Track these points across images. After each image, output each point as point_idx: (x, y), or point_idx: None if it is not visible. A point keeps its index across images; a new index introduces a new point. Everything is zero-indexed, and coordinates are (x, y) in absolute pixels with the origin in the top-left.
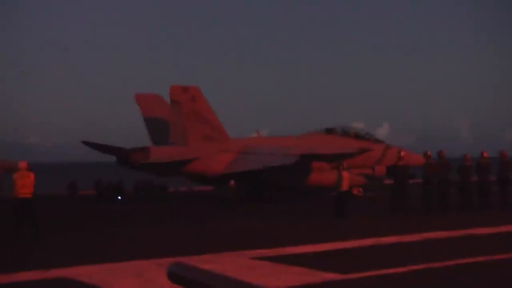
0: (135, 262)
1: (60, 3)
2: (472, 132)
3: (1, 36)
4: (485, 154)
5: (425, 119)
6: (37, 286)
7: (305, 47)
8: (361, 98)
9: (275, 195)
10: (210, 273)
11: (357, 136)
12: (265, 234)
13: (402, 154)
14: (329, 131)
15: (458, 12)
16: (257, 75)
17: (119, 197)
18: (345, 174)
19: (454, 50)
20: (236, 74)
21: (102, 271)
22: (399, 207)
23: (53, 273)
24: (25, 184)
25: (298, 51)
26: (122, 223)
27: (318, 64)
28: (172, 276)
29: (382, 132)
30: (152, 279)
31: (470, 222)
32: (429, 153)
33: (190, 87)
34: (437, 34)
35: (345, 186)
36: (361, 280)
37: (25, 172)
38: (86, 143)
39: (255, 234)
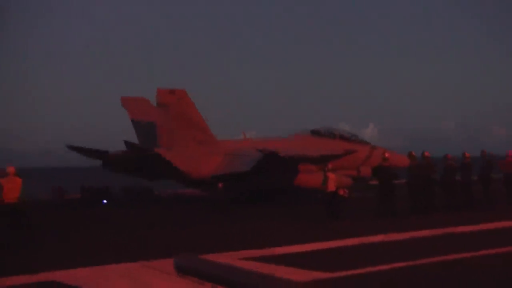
0: (122, 265)
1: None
2: (458, 133)
3: None
4: (467, 154)
5: (412, 120)
6: None
7: (291, 48)
8: (347, 99)
9: (264, 197)
10: (216, 263)
11: (343, 137)
12: (254, 235)
13: (387, 155)
14: (315, 132)
15: (442, 11)
16: (243, 77)
17: (105, 201)
18: (331, 175)
19: (441, 51)
20: (221, 77)
21: (89, 274)
22: (385, 207)
23: (40, 277)
24: (12, 189)
25: (284, 52)
26: (108, 227)
27: (304, 65)
28: (180, 267)
29: (367, 133)
30: (140, 280)
31: (455, 221)
32: (413, 154)
33: (177, 90)
34: (423, 34)
35: (331, 187)
36: (348, 278)
37: (12, 177)
38: (71, 147)
39: (244, 235)
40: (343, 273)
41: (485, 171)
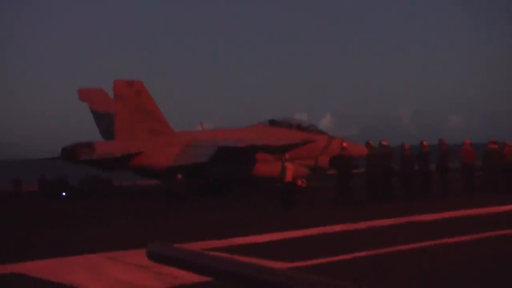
0: (85, 256)
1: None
2: (413, 121)
3: None
4: (424, 143)
5: (368, 109)
6: None
7: (250, 38)
8: (304, 89)
9: (223, 188)
10: (187, 250)
11: (300, 127)
12: (213, 226)
13: (344, 144)
14: (273, 123)
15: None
16: (201, 68)
17: (64, 193)
18: (289, 165)
19: (399, 36)
20: (178, 67)
21: (52, 266)
22: (343, 197)
23: (2, 269)
24: None
25: (243, 43)
26: (67, 219)
27: (261, 56)
28: (152, 254)
29: (325, 123)
30: (103, 272)
31: (413, 210)
32: (371, 143)
33: (134, 81)
34: (378, 23)
35: (288, 177)
36: (308, 267)
37: None
38: None
39: (203, 227)
40: (303, 263)
41: (443, 160)
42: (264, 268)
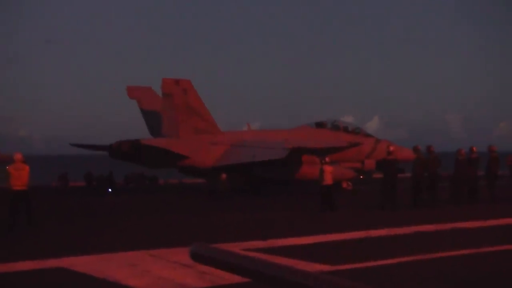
0: (128, 253)
1: None
2: (463, 126)
3: None
4: (474, 149)
5: (417, 113)
6: (34, 275)
7: (296, 42)
8: (352, 92)
9: (266, 189)
10: (228, 252)
11: (347, 130)
12: (256, 226)
13: (391, 148)
14: (319, 125)
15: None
16: (248, 69)
17: (110, 189)
18: (328, 168)
19: (447, 44)
20: (227, 69)
21: (97, 261)
22: (388, 201)
23: (48, 263)
24: (20, 176)
25: (288, 46)
26: (114, 215)
27: (309, 58)
28: (195, 255)
29: (372, 126)
30: (146, 269)
31: (459, 216)
32: (418, 147)
33: (181, 80)
34: (428, 28)
35: (328, 180)
36: (350, 271)
37: (20, 164)
38: (74, 144)
39: (246, 227)
40: (345, 267)
41: (492, 167)
42: (303, 272)
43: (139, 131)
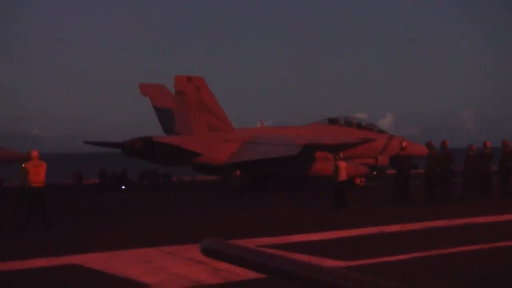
0: (142, 250)
1: None
2: (476, 122)
3: (2, 28)
4: (487, 144)
5: (429, 109)
6: (48, 272)
7: (308, 39)
8: (365, 88)
9: (279, 185)
10: (241, 246)
11: (360, 126)
12: (269, 223)
13: (404, 144)
14: (332, 121)
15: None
16: (261, 66)
17: (123, 186)
18: (342, 164)
19: (458, 41)
20: (239, 66)
21: (110, 258)
22: (401, 196)
23: (62, 260)
24: (38, 173)
25: (301, 43)
26: (127, 212)
27: (321, 55)
28: (206, 250)
29: (385, 122)
30: (160, 266)
31: (471, 212)
32: (432, 143)
33: (194, 77)
34: (440, 25)
35: (342, 176)
36: (364, 267)
37: (37, 161)
38: (88, 142)
39: (259, 223)
40: (359, 262)
41: (505, 163)
42: (318, 267)
43: (154, 128)
